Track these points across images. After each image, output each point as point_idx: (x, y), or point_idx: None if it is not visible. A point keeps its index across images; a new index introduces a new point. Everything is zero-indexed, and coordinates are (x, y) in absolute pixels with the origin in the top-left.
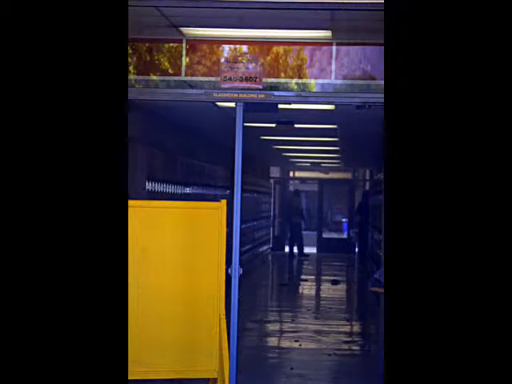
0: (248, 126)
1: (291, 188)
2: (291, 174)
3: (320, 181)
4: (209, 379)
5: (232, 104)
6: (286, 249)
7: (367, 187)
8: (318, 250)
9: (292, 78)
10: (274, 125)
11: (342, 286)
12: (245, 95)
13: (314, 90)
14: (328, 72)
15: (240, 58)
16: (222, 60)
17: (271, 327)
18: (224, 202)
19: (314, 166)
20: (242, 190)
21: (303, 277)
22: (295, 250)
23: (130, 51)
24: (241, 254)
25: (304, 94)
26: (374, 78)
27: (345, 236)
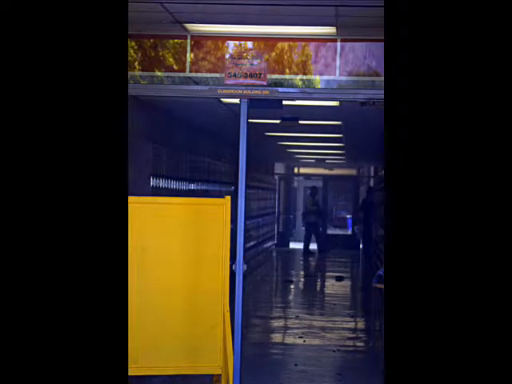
0: (252, 123)
1: (295, 184)
2: (296, 170)
3: (324, 177)
4: (213, 375)
5: (236, 100)
6: (291, 245)
7: (371, 183)
8: None
9: (297, 74)
10: (278, 121)
11: (347, 282)
12: (249, 91)
13: (319, 87)
14: (333, 68)
15: (245, 54)
16: (227, 56)
17: (275, 323)
18: (228, 198)
19: (319, 163)
20: (247, 187)
21: (307, 273)
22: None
23: (135, 47)
24: (245, 250)
25: (308, 91)
26: (378, 75)
27: (349, 232)
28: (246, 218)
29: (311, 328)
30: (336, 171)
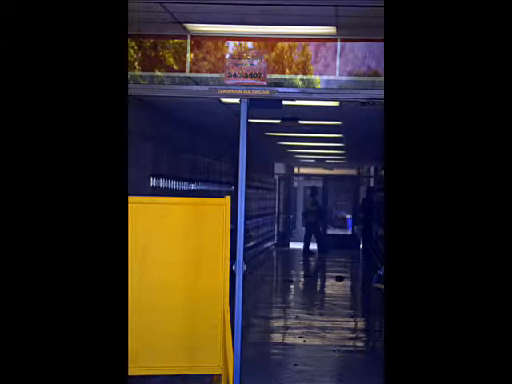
0: (252, 123)
1: (295, 184)
2: (296, 170)
3: (324, 177)
4: (213, 375)
5: (236, 100)
6: (291, 245)
7: (371, 183)
8: None
9: (297, 74)
10: (278, 121)
11: (347, 282)
12: (249, 91)
13: (319, 87)
14: (333, 68)
15: (245, 55)
16: (227, 56)
17: (275, 323)
18: (228, 198)
19: (319, 163)
20: (247, 187)
21: (307, 273)
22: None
23: (135, 47)
24: (245, 250)
25: (308, 91)
26: (378, 75)
27: (349, 232)
28: (246, 217)
29: (311, 328)
30: (336, 171)
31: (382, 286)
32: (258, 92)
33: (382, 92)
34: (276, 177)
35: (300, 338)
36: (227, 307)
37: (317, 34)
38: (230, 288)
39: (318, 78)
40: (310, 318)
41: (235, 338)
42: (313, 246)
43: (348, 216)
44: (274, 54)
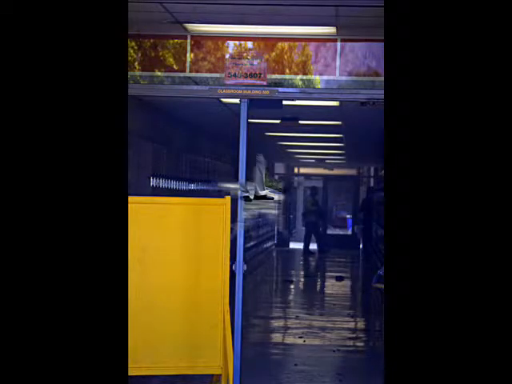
0: (252, 123)
1: (295, 184)
2: (296, 170)
3: (324, 177)
4: (213, 375)
5: (236, 100)
6: (291, 245)
7: (371, 183)
8: None
9: (297, 74)
10: (278, 121)
11: (347, 282)
12: (249, 91)
13: (319, 87)
14: (333, 68)
15: (245, 55)
16: (227, 56)
17: (275, 323)
18: (228, 198)
19: (319, 163)
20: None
21: (307, 273)
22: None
23: (135, 47)
24: (245, 250)
25: (308, 91)
26: (378, 75)
27: (349, 232)
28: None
29: (311, 328)
30: (336, 171)
31: (382, 286)
32: (257, 92)
33: (382, 92)
34: (276, 177)
35: (300, 338)
36: (227, 307)
37: (317, 34)
38: (230, 288)
39: (317, 77)
40: (310, 317)
41: (235, 338)
42: (313, 246)
43: (348, 216)
44: (273, 54)
